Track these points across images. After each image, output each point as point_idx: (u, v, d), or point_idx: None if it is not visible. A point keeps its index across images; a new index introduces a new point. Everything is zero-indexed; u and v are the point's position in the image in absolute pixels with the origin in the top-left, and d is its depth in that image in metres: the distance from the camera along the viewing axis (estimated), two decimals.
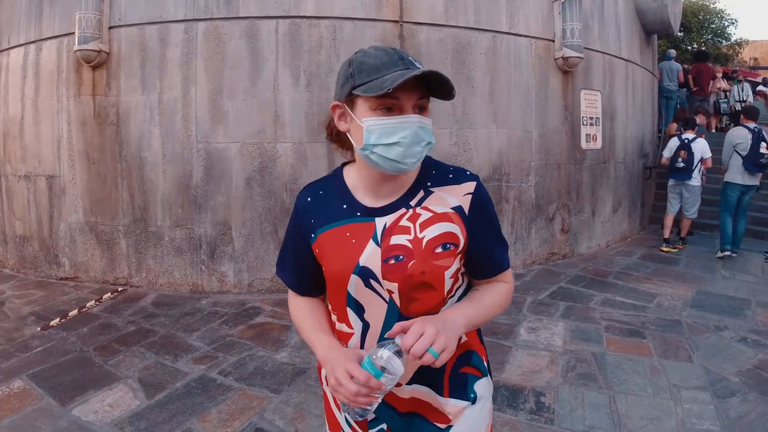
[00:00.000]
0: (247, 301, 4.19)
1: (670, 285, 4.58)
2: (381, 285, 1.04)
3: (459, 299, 1.11)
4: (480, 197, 1.08)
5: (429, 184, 1.09)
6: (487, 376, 1.16)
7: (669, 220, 6.10)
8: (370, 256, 1.04)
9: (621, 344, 3.26)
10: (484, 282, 1.14)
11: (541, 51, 5.17)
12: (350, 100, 1.00)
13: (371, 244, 1.05)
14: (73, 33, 4.44)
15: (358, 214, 1.08)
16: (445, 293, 1.06)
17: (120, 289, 4.51)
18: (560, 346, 3.24)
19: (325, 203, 1.13)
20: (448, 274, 1.05)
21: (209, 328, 3.58)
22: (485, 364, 1.17)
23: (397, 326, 0.95)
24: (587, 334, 3.44)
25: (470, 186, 1.08)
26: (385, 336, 1.00)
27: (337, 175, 1.15)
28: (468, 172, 1.11)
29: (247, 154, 4.30)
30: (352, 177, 1.12)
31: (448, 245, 1.04)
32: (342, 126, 1.05)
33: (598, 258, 5.54)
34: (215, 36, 4.29)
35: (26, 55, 5.05)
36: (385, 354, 0.91)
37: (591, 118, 5.72)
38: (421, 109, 0.99)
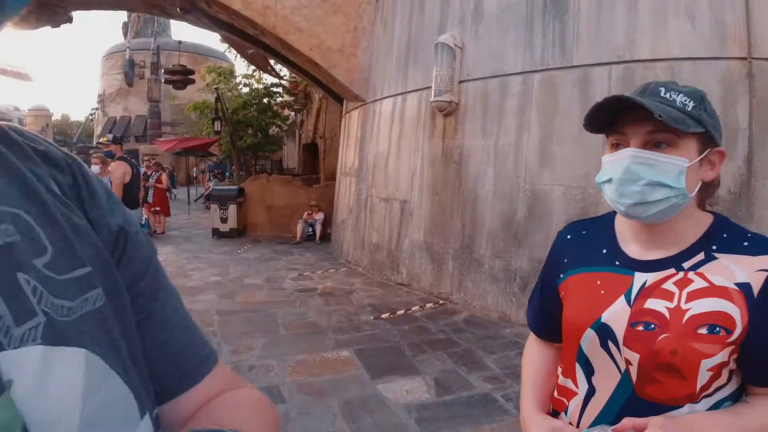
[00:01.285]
0: None
1: None
2: (620, 351, 0.91)
3: (718, 406, 0.88)
4: None
5: (714, 247, 0.90)
6: None
7: None
8: (616, 315, 0.91)
9: None
10: (764, 392, 0.89)
11: None
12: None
13: (621, 300, 0.92)
14: (430, 87, 5.47)
15: (617, 263, 0.96)
16: (697, 388, 0.86)
17: (441, 302, 5.32)
18: None
19: (583, 244, 1.04)
20: (707, 364, 0.85)
21: (505, 355, 3.94)
22: None
23: (627, 421, 0.83)
24: None
25: None
26: (610, 427, 0.85)
27: (608, 218, 1.04)
28: None
29: (570, 197, 4.52)
30: (622, 223, 1.00)
31: (717, 328, 0.84)
32: None
33: None
34: (549, 85, 4.66)
35: (394, 104, 6.46)
36: None
37: None
38: (658, 145, 0.87)
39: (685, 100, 0.87)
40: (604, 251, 0.98)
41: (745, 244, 0.88)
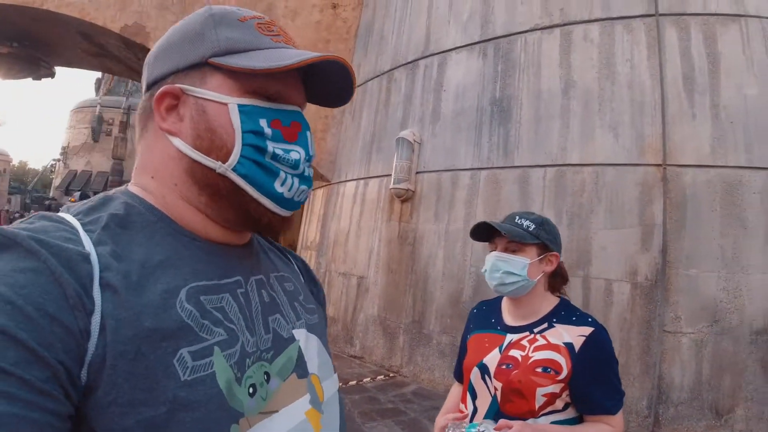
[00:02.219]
0: None
1: None
2: (492, 381, 1.37)
3: (559, 423, 1.33)
4: (593, 342, 1.34)
5: (555, 320, 1.42)
6: None
7: None
8: (492, 358, 1.40)
9: None
10: (591, 418, 1.36)
11: None
12: None
13: (496, 350, 1.42)
14: (390, 174, 6.05)
15: (498, 328, 1.49)
16: (535, 407, 1.31)
17: (391, 374, 5.56)
18: None
19: (482, 315, 1.57)
20: (541, 391, 1.30)
21: None
22: None
23: (502, 422, 1.25)
24: None
25: (585, 330, 1.36)
26: (494, 429, 1.26)
27: (499, 299, 1.58)
28: (591, 320, 1.40)
29: None
30: (505, 301, 1.55)
31: (548, 369, 1.31)
32: None
33: None
34: (494, 181, 5.32)
35: (357, 187, 7.00)
36: (481, 428, 1.24)
37: None
38: (514, 251, 1.43)
39: (529, 224, 1.47)
40: (492, 320, 1.53)
41: (574, 318, 1.41)
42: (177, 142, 0.63)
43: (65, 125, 31.35)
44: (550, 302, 1.49)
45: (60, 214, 0.58)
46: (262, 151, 0.62)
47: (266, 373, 0.61)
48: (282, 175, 0.63)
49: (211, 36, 0.63)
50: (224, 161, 0.61)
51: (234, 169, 0.61)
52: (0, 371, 0.42)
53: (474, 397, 1.44)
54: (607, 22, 5.17)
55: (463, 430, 1.26)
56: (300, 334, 0.71)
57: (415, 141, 5.96)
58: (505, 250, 1.45)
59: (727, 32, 4.86)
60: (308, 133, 0.67)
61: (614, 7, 5.15)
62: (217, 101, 0.62)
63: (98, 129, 23.68)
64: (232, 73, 0.62)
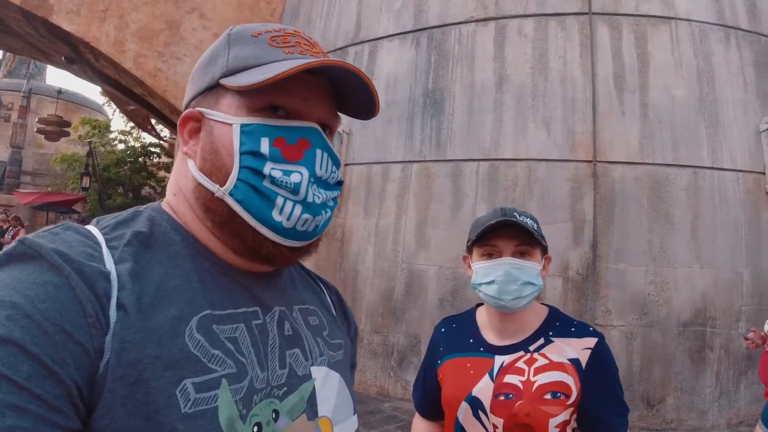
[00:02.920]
0: None
1: None
2: (488, 418, 1.12)
3: None
4: (600, 354, 1.15)
5: (551, 333, 1.19)
6: None
7: None
8: (483, 389, 1.14)
9: None
10: None
11: (750, 184, 4.88)
12: (470, 250, 1.26)
13: (486, 378, 1.16)
14: None
15: (481, 349, 1.21)
16: None
17: None
18: None
19: (455, 335, 1.28)
20: (554, 422, 1.08)
21: (385, 429, 3.99)
22: None
23: None
24: None
25: (591, 342, 1.16)
26: None
27: (471, 313, 1.32)
28: (591, 329, 1.20)
29: (443, 276, 4.85)
30: (482, 316, 1.28)
31: (558, 394, 1.09)
32: (469, 272, 1.26)
33: None
34: (426, 175, 5.10)
35: None
36: None
37: None
38: (522, 255, 1.15)
39: (532, 222, 1.17)
40: (471, 340, 1.24)
41: (573, 329, 1.19)
42: (190, 164, 0.63)
43: None
44: (540, 313, 1.25)
45: (88, 226, 0.58)
46: (260, 174, 0.58)
47: (275, 411, 0.59)
48: (279, 201, 0.58)
49: (223, 56, 0.63)
50: (222, 184, 0.59)
51: (231, 194, 0.59)
52: (13, 384, 0.42)
53: None
54: (541, 17, 5.11)
55: None
56: (319, 371, 0.67)
57: (344, 132, 5.64)
58: (514, 254, 1.17)
59: (658, 33, 4.94)
60: (319, 151, 0.61)
61: (549, 3, 5.12)
62: (224, 122, 0.60)
63: None
64: (241, 93, 0.60)
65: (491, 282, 1.15)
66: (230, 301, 0.59)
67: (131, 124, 14.39)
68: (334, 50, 6.18)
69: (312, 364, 0.66)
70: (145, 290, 0.53)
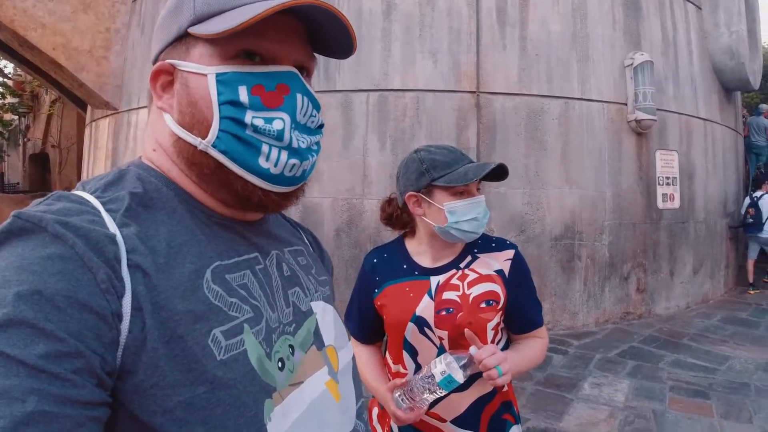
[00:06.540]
0: None
1: (747, 348, 4.49)
2: (433, 332, 1.24)
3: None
4: (518, 262, 1.31)
5: (476, 250, 1.32)
6: (518, 423, 1.35)
7: (750, 265, 6.91)
8: (426, 308, 1.25)
9: (683, 403, 3.32)
10: (522, 337, 1.34)
11: (613, 114, 5.39)
12: (428, 190, 1.26)
13: (426, 298, 1.26)
14: None
15: (416, 273, 1.31)
16: (488, 343, 1.24)
17: None
18: (621, 402, 3.35)
19: (388, 264, 1.36)
20: (490, 326, 1.25)
21: None
22: (517, 412, 1.36)
23: (489, 348, 1.13)
24: (651, 392, 3.51)
25: (510, 253, 1.32)
26: (450, 354, 1.12)
27: (399, 243, 1.40)
28: (508, 242, 1.35)
29: (338, 208, 4.83)
30: (412, 245, 1.36)
31: (491, 301, 1.25)
32: (417, 211, 1.29)
33: (675, 319, 5.48)
34: None
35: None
36: (453, 364, 1.08)
37: (668, 178, 5.79)
38: (477, 190, 1.29)
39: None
40: (405, 266, 1.33)
41: (493, 245, 1.34)
42: (167, 117, 0.61)
43: None
44: None
45: (77, 192, 0.56)
46: (242, 123, 0.57)
47: (291, 346, 0.62)
48: (265, 149, 0.58)
49: (189, 2, 0.60)
50: (204, 137, 0.58)
51: (214, 145, 0.58)
52: (30, 368, 0.41)
53: (414, 354, 1.28)
54: None
55: (453, 365, 1.08)
56: (318, 306, 0.72)
57: None
58: (477, 191, 1.31)
59: None
60: (299, 95, 0.60)
61: None
62: (198, 72, 0.58)
63: None
64: (213, 41, 0.58)
65: (473, 219, 1.24)
66: (233, 250, 0.61)
67: None
68: None
69: (311, 300, 0.71)
70: (158, 250, 0.53)
